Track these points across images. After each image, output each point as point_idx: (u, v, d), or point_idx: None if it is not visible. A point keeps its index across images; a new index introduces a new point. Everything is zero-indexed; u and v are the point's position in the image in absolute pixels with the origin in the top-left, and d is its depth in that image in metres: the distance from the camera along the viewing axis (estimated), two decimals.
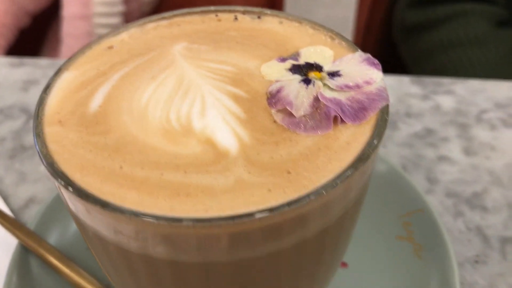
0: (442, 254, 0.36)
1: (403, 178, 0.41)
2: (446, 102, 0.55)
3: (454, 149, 0.50)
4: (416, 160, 0.49)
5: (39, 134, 0.25)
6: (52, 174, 0.23)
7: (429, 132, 0.52)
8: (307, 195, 0.21)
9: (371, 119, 0.25)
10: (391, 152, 0.50)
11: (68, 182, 0.22)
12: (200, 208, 0.21)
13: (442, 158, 0.49)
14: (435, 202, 0.45)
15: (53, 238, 0.38)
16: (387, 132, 0.52)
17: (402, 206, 0.40)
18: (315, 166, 0.23)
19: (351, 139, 0.24)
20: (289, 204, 0.21)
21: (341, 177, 0.22)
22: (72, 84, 0.28)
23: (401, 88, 0.57)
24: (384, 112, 0.25)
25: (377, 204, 0.41)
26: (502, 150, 0.50)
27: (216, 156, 0.24)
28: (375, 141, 0.24)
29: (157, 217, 0.21)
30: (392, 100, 0.55)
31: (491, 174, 0.48)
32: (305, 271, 0.27)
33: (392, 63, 0.97)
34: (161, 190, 0.22)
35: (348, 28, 0.99)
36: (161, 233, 0.21)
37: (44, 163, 0.23)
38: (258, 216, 0.21)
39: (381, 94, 0.26)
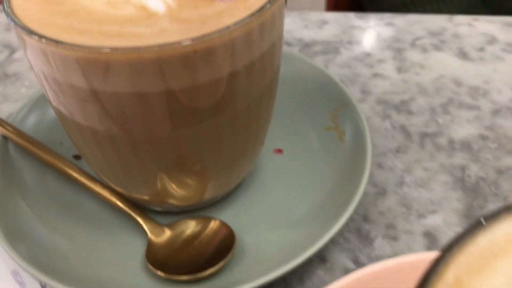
0: (360, 137, 0.43)
1: (332, 82, 0.47)
2: (386, 32, 0.62)
3: (388, 68, 0.57)
4: (353, 77, 0.55)
5: (8, 4, 0.31)
6: (18, 29, 0.29)
7: (367, 55, 0.58)
8: (216, 31, 0.28)
9: None
10: (331, 71, 0.56)
11: (31, 31, 0.29)
12: (130, 44, 0.28)
13: (376, 75, 0.56)
14: (366, 109, 0.52)
15: (30, 131, 0.45)
16: (330, 56, 0.58)
17: (331, 103, 0.46)
18: (225, 20, 0.30)
19: (257, 3, 0.31)
20: (202, 36, 0.28)
21: (242, 21, 0.29)
22: None
23: (346, 22, 0.63)
24: None
25: (309, 102, 0.47)
26: (431, 68, 0.57)
27: (147, 16, 0.30)
28: (268, 5, 0.30)
29: (96, 47, 0.27)
30: (337, 32, 0.61)
31: (419, 86, 0.54)
32: (224, 137, 0.34)
33: None
34: (101, 36, 0.29)
35: None
36: (102, 61, 0.28)
37: (12, 21, 0.30)
38: (175, 45, 0.27)
39: None
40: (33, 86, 0.56)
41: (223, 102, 0.33)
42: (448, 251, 0.18)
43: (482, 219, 0.18)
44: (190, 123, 0.33)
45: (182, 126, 0.33)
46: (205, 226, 0.38)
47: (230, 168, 0.39)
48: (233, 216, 0.40)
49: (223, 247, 0.36)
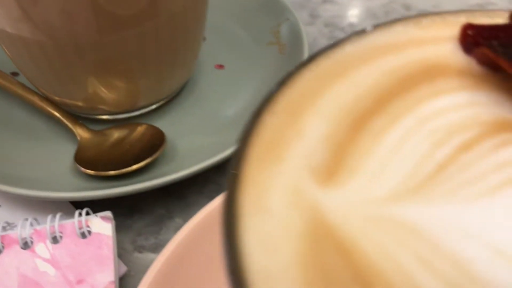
0: (299, 49, 0.42)
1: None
2: None
3: None
4: (303, 3, 0.55)
5: None
6: None
7: None
8: None
9: None
10: None
11: None
12: None
13: (326, 1, 0.55)
14: (313, 31, 0.51)
15: None
16: None
17: (273, 19, 0.46)
18: None
19: None
20: None
21: None
22: None
23: None
24: None
25: (252, 18, 0.47)
26: None
27: None
28: None
29: None
30: None
31: (368, 11, 0.54)
32: (149, 46, 0.34)
33: None
34: None
35: None
36: None
37: None
38: None
39: None
40: None
41: (145, 10, 0.33)
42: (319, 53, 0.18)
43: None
44: (114, 29, 0.33)
45: (107, 32, 0.33)
46: (133, 130, 0.38)
47: (159, 77, 0.38)
48: (169, 124, 0.40)
49: (153, 147, 0.36)
